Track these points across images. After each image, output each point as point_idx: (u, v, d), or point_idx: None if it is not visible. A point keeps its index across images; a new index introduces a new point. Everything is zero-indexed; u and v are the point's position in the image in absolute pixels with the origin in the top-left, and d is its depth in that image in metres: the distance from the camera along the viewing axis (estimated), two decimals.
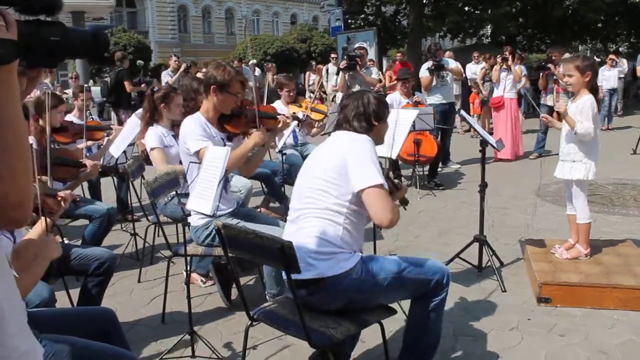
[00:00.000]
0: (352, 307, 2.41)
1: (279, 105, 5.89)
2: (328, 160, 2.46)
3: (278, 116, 3.84)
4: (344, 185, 2.38)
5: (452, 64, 8.37)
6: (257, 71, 14.82)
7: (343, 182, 2.38)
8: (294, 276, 2.17)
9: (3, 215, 1.07)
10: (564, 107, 3.86)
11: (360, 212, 2.44)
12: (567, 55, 7.20)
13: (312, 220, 2.42)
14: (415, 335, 2.58)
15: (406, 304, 2.67)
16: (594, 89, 3.79)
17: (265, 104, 5.05)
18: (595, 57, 12.92)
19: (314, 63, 19.17)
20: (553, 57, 8.35)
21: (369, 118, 2.61)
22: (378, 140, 2.69)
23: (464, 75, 10.27)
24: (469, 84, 12.42)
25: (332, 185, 2.40)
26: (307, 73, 17.08)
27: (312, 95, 11.71)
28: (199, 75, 6.14)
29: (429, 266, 2.51)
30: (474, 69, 12.20)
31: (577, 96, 3.79)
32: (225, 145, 3.47)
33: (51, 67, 1.19)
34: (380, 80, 11.58)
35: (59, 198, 2.48)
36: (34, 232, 2.26)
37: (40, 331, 1.77)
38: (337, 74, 9.62)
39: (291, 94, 6.14)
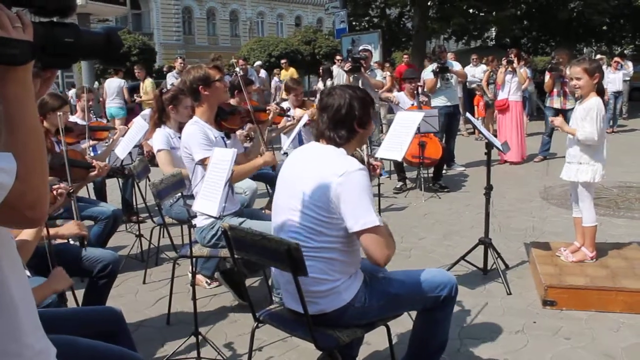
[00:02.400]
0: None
1: (287, 106, 5.96)
2: (315, 192, 2.19)
3: (267, 108, 4.15)
4: (337, 223, 2.19)
5: (457, 66, 8.37)
6: (263, 72, 14.83)
7: (336, 220, 2.18)
8: (295, 307, 2.19)
9: (19, 215, 1.08)
10: (559, 121, 3.85)
11: (353, 241, 2.26)
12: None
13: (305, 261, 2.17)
14: (421, 341, 2.56)
15: None
16: (600, 91, 3.79)
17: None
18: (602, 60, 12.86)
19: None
20: (560, 60, 8.34)
21: (351, 125, 2.30)
22: (359, 145, 2.49)
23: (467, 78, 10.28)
24: (470, 87, 12.37)
25: (324, 224, 2.20)
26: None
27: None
28: None
29: (436, 282, 2.42)
30: (472, 72, 12.20)
31: (585, 99, 3.78)
32: (225, 143, 3.54)
33: (65, 68, 1.21)
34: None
35: (55, 192, 2.49)
36: (28, 230, 2.27)
37: (47, 331, 1.78)
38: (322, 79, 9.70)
39: (299, 97, 6.20)
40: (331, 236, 2.21)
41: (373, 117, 2.49)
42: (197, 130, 3.45)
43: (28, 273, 1.43)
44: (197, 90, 3.49)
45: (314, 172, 2.24)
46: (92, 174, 3.45)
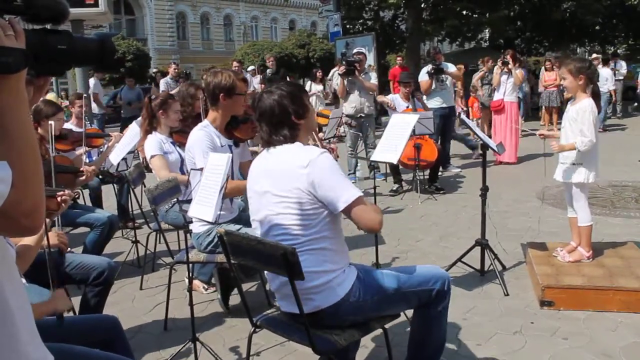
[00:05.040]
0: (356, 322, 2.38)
1: None
2: (288, 191, 2.23)
3: None
4: (319, 212, 2.23)
5: (451, 67, 8.37)
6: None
7: (317, 209, 2.23)
8: (291, 310, 2.18)
9: (16, 223, 1.07)
10: (557, 145, 3.80)
11: (338, 227, 2.33)
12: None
13: None
14: (420, 342, 2.57)
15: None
16: (595, 94, 3.77)
17: None
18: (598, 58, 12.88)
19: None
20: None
21: (289, 121, 2.32)
22: (308, 134, 2.51)
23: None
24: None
25: (308, 217, 2.23)
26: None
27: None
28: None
29: (429, 275, 2.45)
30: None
31: (576, 99, 3.79)
32: (232, 152, 3.49)
33: (58, 75, 1.20)
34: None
35: (59, 199, 2.47)
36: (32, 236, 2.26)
37: (44, 340, 1.77)
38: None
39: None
40: (317, 226, 2.25)
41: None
42: (204, 137, 3.39)
43: (24, 281, 1.42)
44: (216, 97, 3.42)
45: (279, 175, 2.28)
46: (81, 178, 3.47)
